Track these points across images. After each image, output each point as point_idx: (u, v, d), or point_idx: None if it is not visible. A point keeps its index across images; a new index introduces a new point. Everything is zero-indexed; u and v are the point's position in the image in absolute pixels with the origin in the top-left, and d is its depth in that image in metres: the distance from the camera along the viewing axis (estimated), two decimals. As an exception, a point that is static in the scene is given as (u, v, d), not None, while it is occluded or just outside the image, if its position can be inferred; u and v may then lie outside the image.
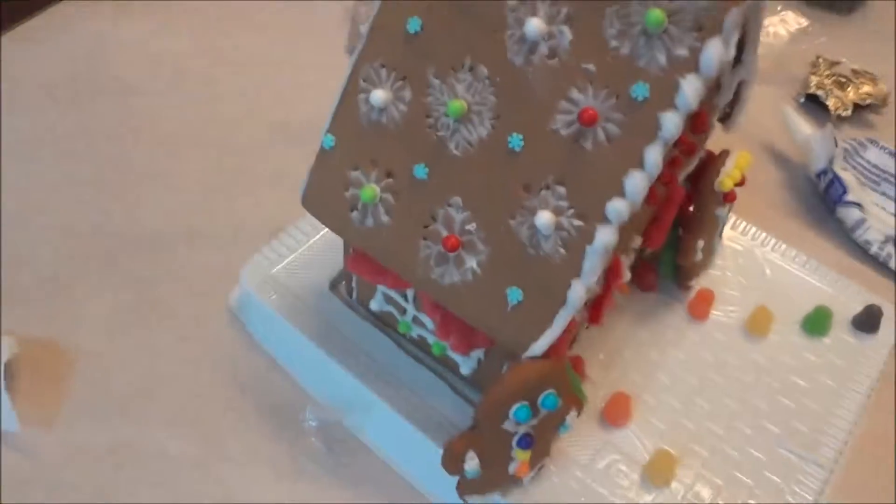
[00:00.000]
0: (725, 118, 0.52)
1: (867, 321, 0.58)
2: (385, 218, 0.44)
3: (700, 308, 0.58)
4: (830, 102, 0.78)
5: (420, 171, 0.43)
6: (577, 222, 0.39)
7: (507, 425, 0.43)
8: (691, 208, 0.55)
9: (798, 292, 0.60)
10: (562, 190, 0.40)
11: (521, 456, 0.45)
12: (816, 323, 0.58)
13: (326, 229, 0.59)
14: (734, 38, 0.37)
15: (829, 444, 0.52)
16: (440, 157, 0.42)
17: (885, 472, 0.54)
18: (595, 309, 0.49)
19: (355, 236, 0.45)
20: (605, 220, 0.39)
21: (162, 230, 0.65)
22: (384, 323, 0.55)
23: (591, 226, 0.39)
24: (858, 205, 0.67)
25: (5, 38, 0.79)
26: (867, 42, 0.88)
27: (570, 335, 0.45)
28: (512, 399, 0.41)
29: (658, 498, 0.49)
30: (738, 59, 0.45)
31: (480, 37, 0.41)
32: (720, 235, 0.60)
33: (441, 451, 0.47)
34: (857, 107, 0.79)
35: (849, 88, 0.79)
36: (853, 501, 0.51)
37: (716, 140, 0.53)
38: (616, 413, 0.52)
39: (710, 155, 0.54)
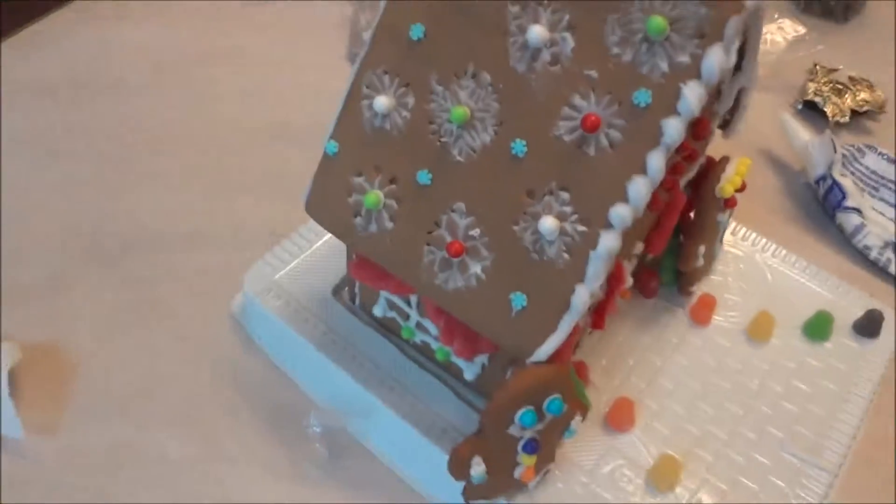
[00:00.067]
0: (725, 125, 0.52)
1: (868, 326, 0.58)
2: (389, 224, 0.44)
3: (702, 313, 0.59)
4: (828, 109, 0.79)
5: (423, 176, 0.43)
6: (580, 228, 0.40)
7: (513, 430, 0.43)
8: (692, 214, 0.55)
9: (799, 297, 0.61)
10: (565, 196, 0.40)
11: (526, 461, 0.45)
12: (818, 328, 0.58)
13: (329, 235, 0.60)
14: (735, 46, 0.37)
15: (832, 448, 0.53)
16: (443, 163, 0.43)
17: (887, 475, 0.54)
18: (598, 314, 0.49)
19: (359, 242, 0.46)
20: (608, 225, 0.39)
21: (162, 231, 0.66)
22: (387, 329, 0.55)
23: (595, 231, 0.39)
24: (858, 210, 0.67)
25: (5, 44, 0.80)
26: (864, 49, 0.88)
27: (573, 340, 0.45)
28: (517, 404, 0.42)
29: (663, 502, 0.49)
30: (738, 67, 0.45)
31: (483, 43, 0.41)
32: (721, 241, 0.60)
33: (446, 457, 0.47)
34: (855, 113, 0.79)
35: (846, 95, 0.80)
36: (856, 504, 0.52)
37: (714, 147, 0.53)
38: (620, 418, 0.52)
39: (710, 161, 0.54)
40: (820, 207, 0.71)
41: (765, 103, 0.77)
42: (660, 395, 0.55)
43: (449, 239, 0.42)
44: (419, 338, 0.52)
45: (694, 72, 0.37)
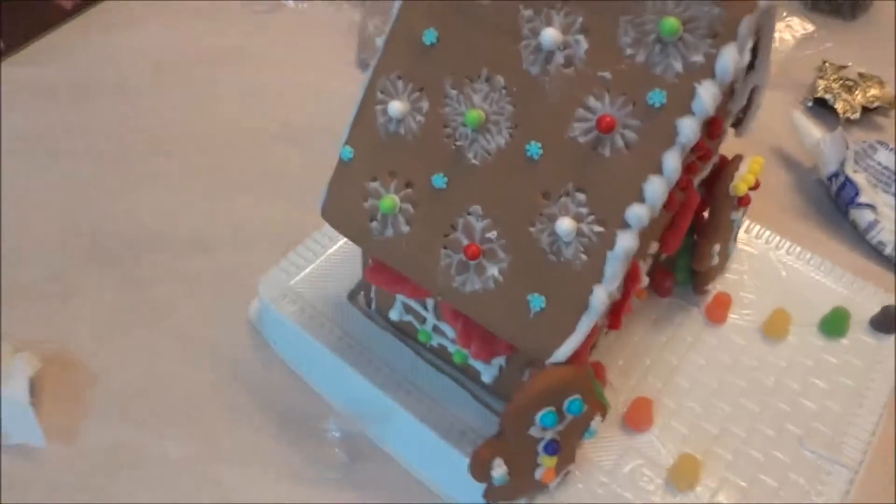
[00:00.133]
0: (737, 123, 0.52)
1: (885, 322, 0.58)
2: (405, 228, 0.44)
3: (717, 312, 0.59)
4: (839, 106, 0.79)
5: (439, 180, 0.43)
6: (597, 228, 0.40)
7: (534, 431, 0.43)
8: (706, 213, 0.56)
9: (814, 294, 0.61)
10: (581, 197, 0.40)
11: (547, 462, 0.45)
12: (834, 324, 0.58)
13: (343, 240, 0.60)
14: (749, 45, 0.38)
15: (852, 445, 0.52)
16: (459, 167, 0.43)
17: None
18: (614, 314, 0.49)
19: (375, 247, 0.46)
20: (625, 225, 0.39)
21: (166, 232, 0.66)
22: (403, 333, 0.55)
23: (612, 232, 0.39)
24: (871, 206, 0.67)
25: (14, 57, 0.80)
26: (872, 46, 0.88)
27: (591, 341, 0.45)
28: (538, 405, 0.42)
29: (684, 501, 0.49)
30: (750, 65, 0.45)
31: (496, 47, 0.42)
32: (735, 239, 0.60)
33: (465, 459, 0.47)
34: (866, 110, 0.79)
35: (856, 92, 0.80)
36: (877, 502, 0.51)
37: (725, 145, 0.53)
38: (638, 418, 0.53)
39: (723, 160, 0.54)
40: (833, 204, 0.71)
41: (775, 101, 0.77)
42: (677, 394, 0.55)
43: (465, 242, 0.43)
44: (436, 341, 0.53)
45: (708, 71, 0.37)
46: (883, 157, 0.72)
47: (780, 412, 0.54)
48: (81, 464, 0.53)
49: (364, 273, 0.53)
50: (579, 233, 0.40)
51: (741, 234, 0.64)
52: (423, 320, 0.52)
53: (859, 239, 0.68)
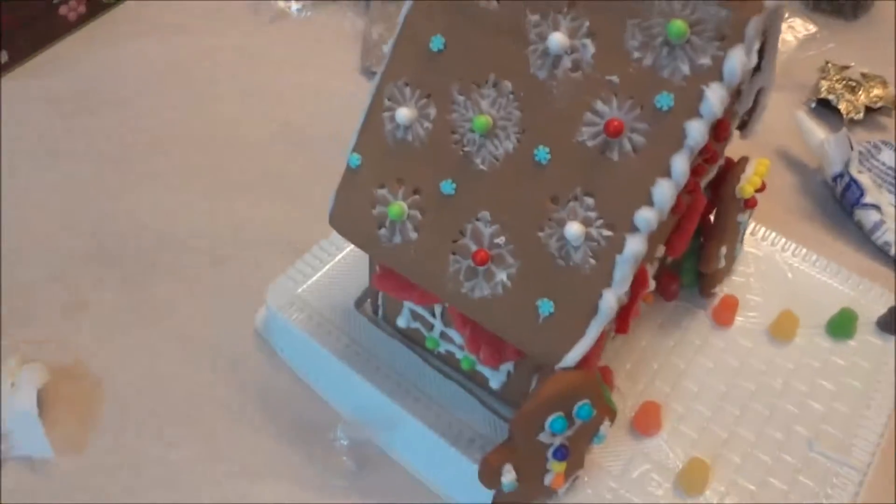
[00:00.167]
0: (742, 126, 0.52)
1: (891, 322, 0.58)
2: (413, 234, 0.44)
3: (724, 315, 0.59)
4: (842, 106, 0.79)
5: (447, 186, 0.43)
6: (606, 232, 0.40)
7: (543, 437, 0.43)
8: (711, 216, 0.55)
9: (821, 296, 0.60)
10: (590, 201, 0.40)
11: (556, 468, 0.45)
12: (841, 326, 0.58)
13: (350, 248, 0.60)
14: (756, 46, 0.38)
15: (860, 447, 0.52)
16: (467, 173, 0.43)
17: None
18: (622, 318, 0.49)
19: (384, 254, 0.46)
20: (634, 229, 0.39)
21: (176, 245, 0.66)
22: (411, 340, 0.55)
23: (621, 235, 0.39)
24: (876, 207, 0.67)
25: (21, 69, 0.81)
26: (874, 46, 0.88)
27: (600, 346, 0.45)
28: (548, 410, 0.42)
29: (693, 505, 0.49)
30: (756, 67, 0.45)
31: (503, 52, 0.42)
32: (741, 241, 0.60)
33: (473, 466, 0.47)
34: (869, 110, 0.79)
35: (860, 92, 0.80)
36: (886, 503, 0.51)
37: (729, 148, 0.53)
38: (646, 422, 0.52)
39: (729, 162, 0.54)
40: (838, 205, 0.71)
41: (778, 103, 0.77)
42: (685, 397, 0.55)
43: (474, 248, 0.43)
44: (443, 347, 0.53)
45: (716, 74, 0.37)
46: (887, 157, 0.72)
47: (789, 414, 0.54)
48: (89, 476, 0.52)
49: (372, 280, 0.53)
50: (588, 237, 0.40)
51: (747, 237, 0.63)
52: (431, 327, 0.52)
53: (865, 239, 0.68)
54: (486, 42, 0.42)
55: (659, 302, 0.59)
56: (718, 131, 0.45)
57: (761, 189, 0.54)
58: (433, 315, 0.51)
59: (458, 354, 0.52)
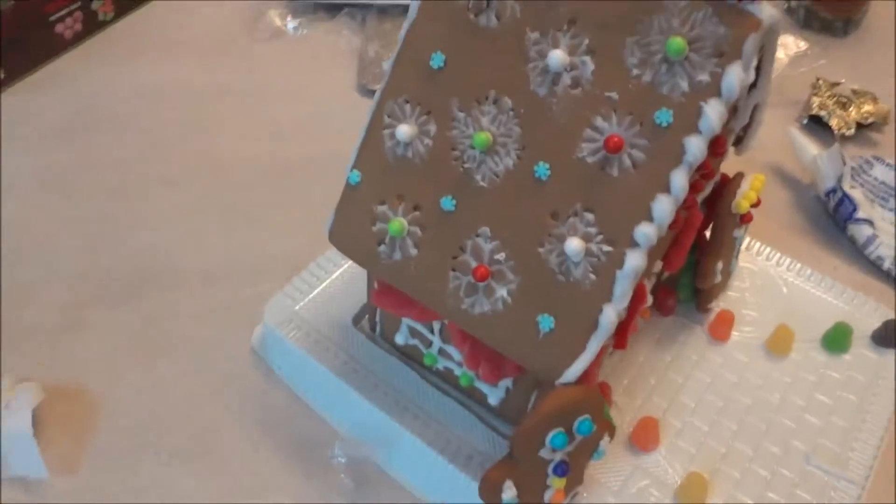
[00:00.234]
0: (737, 142, 0.53)
1: (886, 336, 0.58)
2: (413, 251, 0.44)
3: (721, 330, 0.59)
4: (833, 122, 0.80)
5: (447, 203, 0.43)
6: (606, 248, 0.40)
7: (544, 453, 0.43)
8: (707, 232, 0.56)
9: (816, 310, 0.61)
10: (590, 216, 0.40)
11: (556, 484, 0.45)
12: (836, 340, 0.58)
13: (347, 265, 0.60)
14: (753, 63, 0.38)
15: (857, 460, 0.53)
16: (467, 189, 0.43)
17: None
18: (620, 334, 0.49)
19: (384, 270, 0.46)
20: (634, 244, 0.39)
21: (175, 265, 0.66)
22: (408, 356, 0.55)
23: (621, 251, 0.40)
24: (869, 221, 0.68)
25: (6, 93, 0.81)
26: (864, 63, 0.89)
27: (599, 361, 0.45)
28: (549, 426, 0.42)
29: (692, 521, 0.49)
30: (753, 84, 0.46)
31: (503, 70, 0.42)
32: (737, 257, 0.61)
33: (472, 483, 0.47)
34: (860, 126, 0.80)
35: (851, 108, 0.81)
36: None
37: (723, 164, 0.54)
38: (645, 438, 0.52)
39: (724, 178, 0.55)
40: (831, 220, 0.72)
41: (770, 119, 0.77)
42: (682, 413, 0.55)
43: (474, 264, 0.43)
44: (442, 364, 0.53)
45: (714, 90, 0.38)
46: (879, 172, 0.72)
47: (786, 429, 0.54)
48: (84, 496, 0.52)
49: (370, 297, 0.53)
50: (588, 252, 0.40)
51: (741, 252, 0.64)
52: (429, 343, 0.52)
53: (858, 254, 0.69)
54: (486, 59, 0.42)
55: (655, 317, 0.59)
56: (716, 147, 0.45)
57: (757, 204, 0.54)
58: (432, 332, 0.51)
59: (457, 371, 0.52)
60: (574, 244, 0.40)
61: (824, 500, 0.51)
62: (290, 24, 0.90)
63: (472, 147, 0.43)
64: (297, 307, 0.58)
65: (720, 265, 0.56)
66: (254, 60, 0.86)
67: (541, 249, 0.41)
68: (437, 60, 0.43)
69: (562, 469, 0.44)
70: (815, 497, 0.51)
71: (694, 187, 0.48)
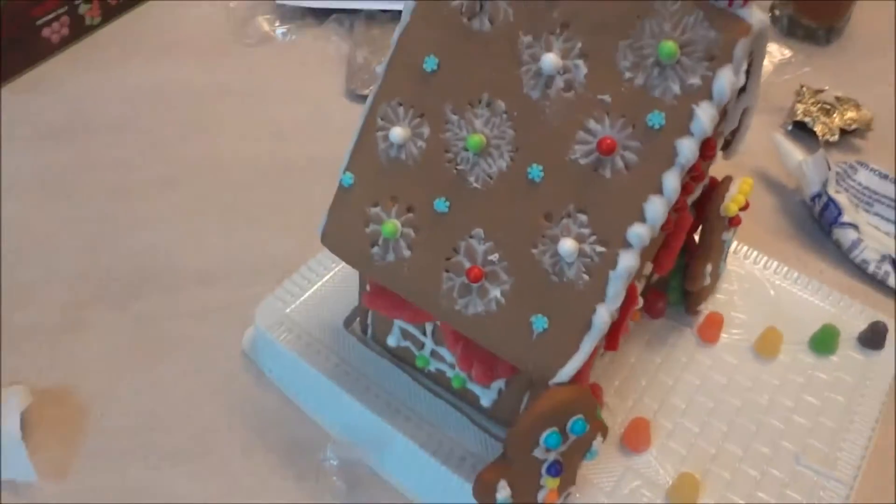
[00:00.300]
0: (726, 146, 0.53)
1: (873, 338, 0.59)
2: (406, 252, 0.45)
3: (710, 332, 0.59)
4: (818, 129, 0.81)
5: (440, 204, 0.44)
6: (599, 248, 0.40)
7: (537, 452, 0.43)
8: (696, 235, 0.56)
9: (803, 312, 0.61)
10: (583, 217, 0.41)
11: (550, 483, 0.45)
12: (824, 341, 0.59)
13: (338, 267, 0.60)
14: (744, 67, 0.39)
15: (846, 460, 0.53)
16: (460, 191, 0.43)
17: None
18: (612, 335, 0.50)
19: (377, 272, 0.46)
20: (626, 244, 0.40)
21: (169, 267, 0.66)
22: (400, 359, 0.55)
23: (614, 251, 0.40)
24: (854, 226, 0.69)
25: (8, 88, 0.80)
26: (847, 70, 0.91)
27: (592, 361, 0.46)
28: (543, 425, 0.42)
29: (684, 521, 0.50)
30: (742, 88, 0.46)
31: (496, 73, 0.42)
32: (725, 260, 0.61)
33: (465, 484, 0.47)
34: (844, 132, 0.81)
35: (834, 115, 0.82)
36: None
37: (710, 169, 0.54)
38: (636, 439, 0.53)
39: (713, 181, 0.55)
40: (816, 224, 0.72)
41: (756, 125, 0.78)
42: (673, 414, 0.55)
43: (468, 265, 0.43)
44: (434, 366, 0.53)
45: (705, 93, 0.38)
46: (863, 177, 0.73)
47: (776, 430, 0.55)
48: (73, 499, 0.52)
49: (362, 299, 0.53)
50: (581, 253, 0.40)
51: (729, 255, 0.64)
52: (421, 345, 0.52)
53: (843, 258, 0.70)
54: (479, 63, 0.43)
55: (645, 319, 0.60)
56: (706, 150, 0.45)
57: (745, 207, 0.55)
58: (424, 333, 0.52)
59: (449, 373, 0.52)
60: (567, 245, 0.40)
61: (814, 499, 0.51)
62: (279, 29, 0.90)
63: (465, 149, 0.43)
64: (287, 310, 0.58)
65: (709, 268, 0.56)
66: (242, 65, 0.86)
67: (534, 250, 0.42)
68: (430, 64, 0.44)
69: (555, 469, 0.44)
70: (804, 497, 0.51)
71: (684, 189, 0.48)
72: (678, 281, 0.58)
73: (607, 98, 0.40)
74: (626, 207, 0.40)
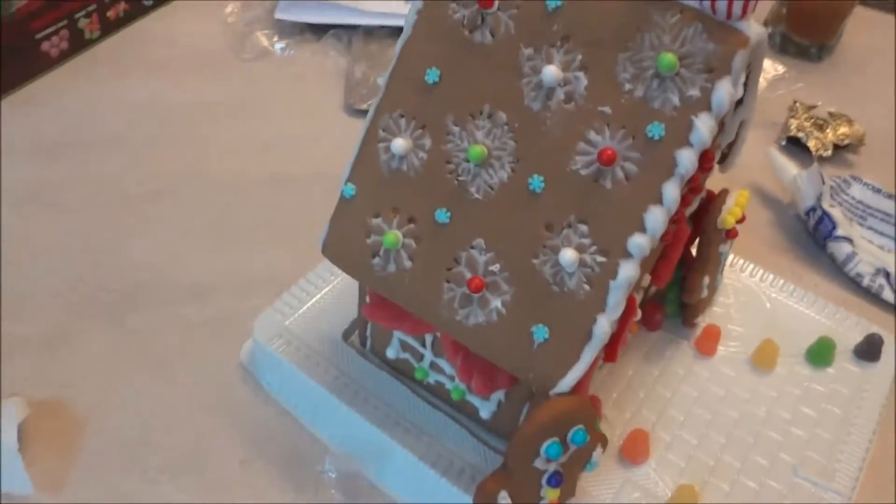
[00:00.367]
0: (722, 159, 0.54)
1: (869, 350, 0.60)
2: (408, 263, 0.45)
3: (707, 344, 0.60)
4: (811, 144, 0.81)
5: (442, 215, 0.44)
6: (600, 258, 0.41)
7: (538, 463, 0.43)
8: (693, 248, 0.57)
9: (799, 325, 0.62)
10: (584, 228, 0.41)
11: (550, 495, 0.45)
12: (820, 354, 0.59)
13: (337, 280, 0.60)
14: (742, 79, 0.39)
15: (844, 472, 0.53)
16: (461, 201, 0.44)
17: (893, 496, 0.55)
18: (611, 346, 0.50)
19: (377, 283, 0.46)
20: (627, 255, 0.40)
21: (164, 281, 0.66)
22: (399, 371, 0.55)
23: (614, 261, 0.40)
24: (848, 239, 0.69)
25: (4, 101, 0.80)
26: (839, 86, 0.92)
27: (592, 372, 0.46)
28: (543, 435, 0.42)
29: (683, 532, 0.50)
30: (738, 100, 0.47)
31: (498, 85, 0.43)
32: (722, 272, 0.62)
33: (464, 496, 0.47)
34: (837, 147, 0.82)
35: (827, 130, 0.83)
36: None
37: (706, 183, 0.55)
38: (635, 450, 0.53)
39: (710, 194, 0.56)
40: (811, 238, 0.73)
41: (750, 140, 0.79)
42: (671, 426, 0.55)
43: (469, 275, 0.43)
44: (433, 378, 0.53)
45: (704, 104, 0.39)
46: (857, 191, 0.74)
47: (773, 441, 0.55)
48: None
49: (362, 311, 0.53)
50: (582, 263, 0.41)
51: (725, 269, 0.65)
52: (421, 357, 0.52)
53: (838, 271, 0.70)
54: (480, 75, 0.43)
55: (643, 332, 0.60)
56: (704, 161, 0.46)
57: (742, 220, 0.55)
58: (423, 345, 0.52)
59: (448, 385, 0.52)
60: (568, 255, 0.40)
61: (812, 511, 0.52)
62: (277, 44, 0.91)
63: (466, 160, 0.43)
64: (286, 322, 0.58)
65: (706, 280, 0.57)
66: (242, 80, 0.87)
67: (535, 260, 0.42)
68: (431, 76, 0.44)
69: (556, 480, 0.44)
70: (802, 508, 0.52)
71: (682, 201, 0.49)
72: (675, 293, 0.59)
73: (608, 109, 0.40)
74: (626, 218, 0.40)
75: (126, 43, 0.90)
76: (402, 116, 0.45)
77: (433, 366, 0.52)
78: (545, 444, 0.42)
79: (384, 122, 0.45)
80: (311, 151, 0.78)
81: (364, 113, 0.78)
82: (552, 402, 0.42)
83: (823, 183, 0.72)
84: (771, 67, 0.91)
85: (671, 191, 0.39)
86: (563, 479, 0.45)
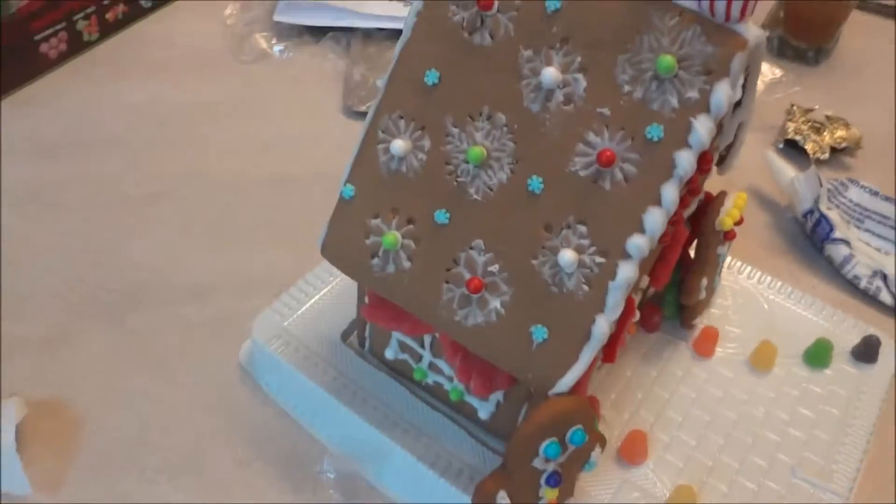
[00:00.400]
0: (720, 161, 0.54)
1: (866, 352, 0.60)
2: (407, 263, 0.45)
3: (705, 346, 0.60)
4: (809, 147, 0.82)
5: (441, 216, 0.44)
6: (599, 259, 0.41)
7: (537, 463, 0.43)
8: (691, 250, 0.57)
9: (797, 327, 0.62)
10: (583, 229, 0.41)
11: (549, 495, 0.45)
12: (818, 355, 0.60)
13: (336, 281, 0.60)
14: (740, 81, 0.39)
15: (842, 472, 0.53)
16: (461, 202, 0.44)
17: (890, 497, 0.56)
18: (609, 347, 0.50)
19: (376, 283, 0.46)
20: (626, 255, 0.40)
21: (164, 282, 0.66)
22: (398, 372, 0.55)
23: (613, 262, 0.40)
24: (846, 242, 0.70)
25: (3, 102, 0.81)
26: (836, 90, 0.92)
27: (590, 372, 0.46)
28: (542, 435, 0.42)
29: (681, 533, 0.50)
30: (737, 102, 0.47)
31: (497, 86, 0.43)
32: (720, 274, 0.62)
33: (462, 496, 0.47)
34: (834, 150, 0.82)
35: (824, 133, 0.83)
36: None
37: (705, 184, 0.55)
38: (633, 451, 0.53)
39: (708, 196, 0.56)
40: (808, 240, 0.73)
41: (748, 143, 0.79)
42: (669, 427, 0.55)
43: (468, 276, 0.43)
44: (431, 378, 0.53)
45: (703, 106, 0.39)
46: (854, 194, 0.74)
47: (771, 442, 0.55)
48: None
49: (360, 311, 0.53)
50: (581, 264, 0.41)
51: (723, 271, 0.65)
52: (419, 358, 0.53)
53: (835, 273, 0.70)
54: (480, 76, 0.43)
55: (641, 333, 0.60)
56: (702, 163, 0.46)
57: (740, 222, 0.56)
58: (422, 346, 0.52)
59: (447, 385, 0.52)
60: (567, 256, 0.41)
61: (810, 511, 0.52)
62: (276, 47, 0.91)
63: (466, 161, 0.43)
64: (285, 323, 0.58)
65: (705, 282, 0.57)
66: (241, 82, 0.87)
67: (534, 261, 0.42)
68: (431, 77, 0.44)
69: (554, 480, 0.44)
70: (800, 509, 0.52)
71: (681, 203, 0.49)
72: (673, 295, 0.59)
73: (606, 111, 0.41)
74: (625, 219, 0.40)
75: (125, 45, 0.90)
76: (402, 118, 0.45)
77: (432, 366, 0.52)
78: (544, 444, 0.42)
79: (383, 123, 0.46)
80: (311, 152, 0.78)
81: (363, 115, 0.78)
82: (551, 403, 0.42)
83: (821, 185, 0.72)
84: (768, 71, 0.92)
85: (670, 192, 0.40)
86: (562, 479, 0.45)
